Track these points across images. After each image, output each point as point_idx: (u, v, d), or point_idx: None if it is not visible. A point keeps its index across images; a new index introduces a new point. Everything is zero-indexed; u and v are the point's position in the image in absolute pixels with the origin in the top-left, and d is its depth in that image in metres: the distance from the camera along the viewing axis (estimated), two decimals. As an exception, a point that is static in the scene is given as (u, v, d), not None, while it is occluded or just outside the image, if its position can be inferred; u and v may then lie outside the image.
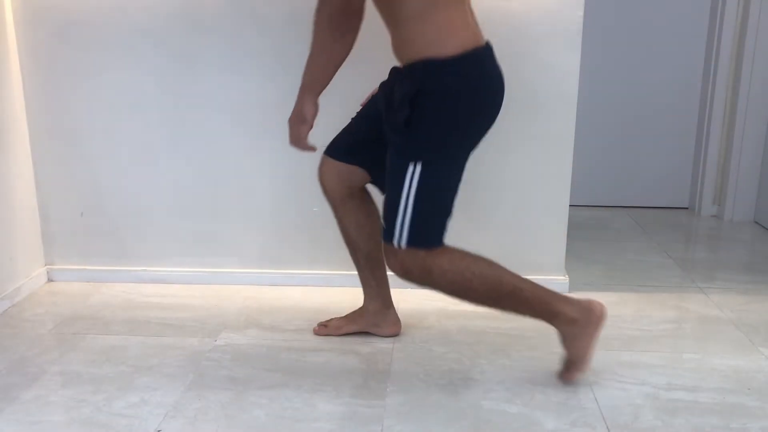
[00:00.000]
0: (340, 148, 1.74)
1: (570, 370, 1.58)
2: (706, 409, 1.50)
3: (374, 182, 1.74)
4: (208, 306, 2.09)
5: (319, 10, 1.41)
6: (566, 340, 1.55)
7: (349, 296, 2.16)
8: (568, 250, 2.22)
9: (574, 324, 1.52)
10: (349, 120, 1.77)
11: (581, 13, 2.01)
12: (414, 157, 1.43)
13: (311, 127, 1.56)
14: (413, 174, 1.43)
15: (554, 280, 2.20)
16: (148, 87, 2.14)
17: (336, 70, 1.49)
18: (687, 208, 3.34)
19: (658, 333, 1.91)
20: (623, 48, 3.19)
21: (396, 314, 1.87)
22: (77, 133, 2.19)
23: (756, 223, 3.08)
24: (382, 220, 1.52)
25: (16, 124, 2.14)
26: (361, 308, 1.88)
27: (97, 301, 2.14)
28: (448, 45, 1.41)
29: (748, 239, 2.87)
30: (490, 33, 2.05)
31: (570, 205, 2.17)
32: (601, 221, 3.11)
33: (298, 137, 1.54)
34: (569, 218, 2.19)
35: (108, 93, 2.15)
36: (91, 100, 2.16)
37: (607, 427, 1.43)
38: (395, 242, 1.46)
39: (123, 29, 2.09)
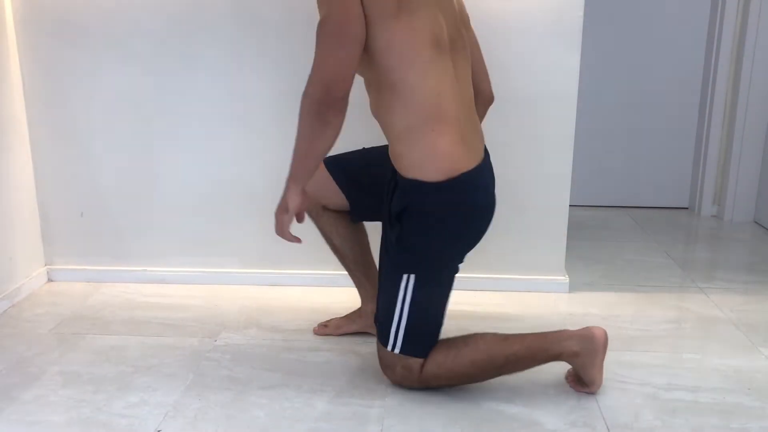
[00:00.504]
0: (339, 166, 1.73)
1: (583, 386, 1.58)
2: (706, 409, 1.50)
3: (350, 214, 1.76)
4: (208, 306, 2.09)
5: (303, 101, 1.40)
6: (575, 369, 1.56)
7: (349, 296, 2.16)
8: (568, 250, 2.22)
9: (579, 356, 1.52)
10: (361, 147, 1.77)
11: (581, 13, 2.01)
12: (407, 270, 1.50)
13: (300, 218, 1.53)
14: (407, 285, 1.51)
15: (554, 280, 2.20)
16: (148, 87, 2.14)
17: (322, 159, 1.46)
18: (687, 208, 3.34)
19: (658, 333, 1.91)
20: (623, 48, 3.19)
21: None
22: (77, 133, 2.19)
23: (756, 223, 3.08)
24: (375, 317, 1.58)
25: (16, 124, 2.14)
26: (359, 309, 1.88)
27: (97, 301, 2.14)
28: (431, 170, 1.46)
29: (748, 239, 2.87)
30: (490, 33, 2.06)
31: (570, 205, 2.17)
32: (601, 221, 3.11)
33: (281, 228, 1.49)
34: (569, 218, 2.19)
35: (108, 93, 2.15)
36: (91, 100, 2.16)
37: (607, 427, 1.43)
38: (390, 347, 1.54)
39: (123, 29, 2.09)
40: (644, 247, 2.72)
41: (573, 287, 2.22)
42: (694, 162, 3.28)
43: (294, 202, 1.46)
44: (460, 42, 1.52)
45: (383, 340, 1.55)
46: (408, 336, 1.52)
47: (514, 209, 2.17)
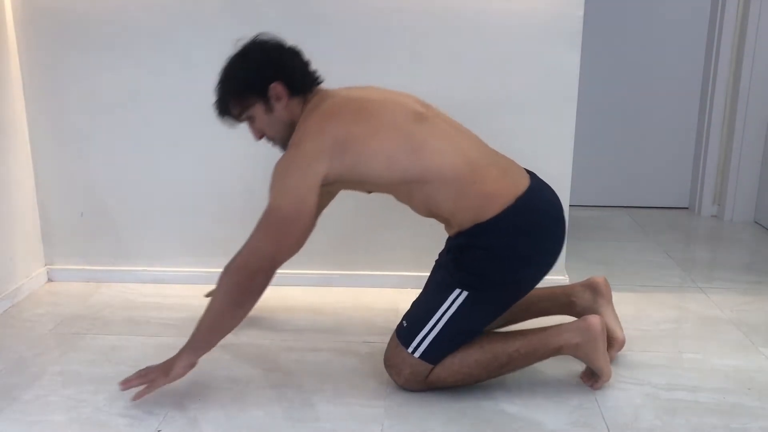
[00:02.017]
0: None
1: (595, 380, 1.58)
2: (706, 409, 1.50)
3: None
4: (208, 306, 2.09)
5: (224, 277, 1.40)
6: (581, 359, 1.56)
7: (349, 296, 2.17)
8: (568, 250, 2.22)
9: (581, 348, 1.52)
10: None
11: (581, 13, 2.01)
12: (462, 287, 1.48)
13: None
14: (455, 300, 1.49)
15: (554, 280, 2.19)
16: (148, 87, 2.14)
17: (225, 335, 1.47)
18: (687, 208, 3.34)
19: (658, 333, 1.91)
20: (623, 48, 3.19)
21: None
22: (77, 133, 2.19)
23: (756, 223, 3.08)
24: (404, 318, 1.56)
25: (16, 124, 2.14)
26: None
27: (97, 301, 2.14)
28: (488, 210, 1.45)
29: (748, 239, 2.87)
30: (490, 33, 2.06)
31: (570, 205, 2.17)
32: (601, 221, 3.11)
33: (150, 387, 1.44)
34: (569, 218, 2.18)
35: (108, 93, 2.15)
36: (91, 100, 2.16)
37: (607, 427, 1.43)
38: (411, 350, 1.51)
39: (123, 29, 2.09)
40: (644, 247, 2.72)
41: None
42: (694, 162, 3.28)
43: (179, 374, 1.45)
44: (430, 109, 1.57)
45: (406, 341, 1.52)
46: (434, 345, 1.50)
47: (514, 209, 2.17)
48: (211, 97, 2.14)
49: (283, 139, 1.54)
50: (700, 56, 3.16)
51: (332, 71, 2.10)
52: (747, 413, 1.49)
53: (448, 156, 1.47)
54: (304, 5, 2.06)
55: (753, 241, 2.84)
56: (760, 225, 3.04)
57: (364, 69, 2.09)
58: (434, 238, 2.17)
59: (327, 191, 1.61)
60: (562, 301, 1.76)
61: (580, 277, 2.31)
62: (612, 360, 1.67)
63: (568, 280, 2.21)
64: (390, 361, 1.56)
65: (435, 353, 1.51)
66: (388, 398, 1.55)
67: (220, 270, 2.35)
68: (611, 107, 3.24)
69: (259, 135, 1.58)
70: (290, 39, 2.08)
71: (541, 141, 2.11)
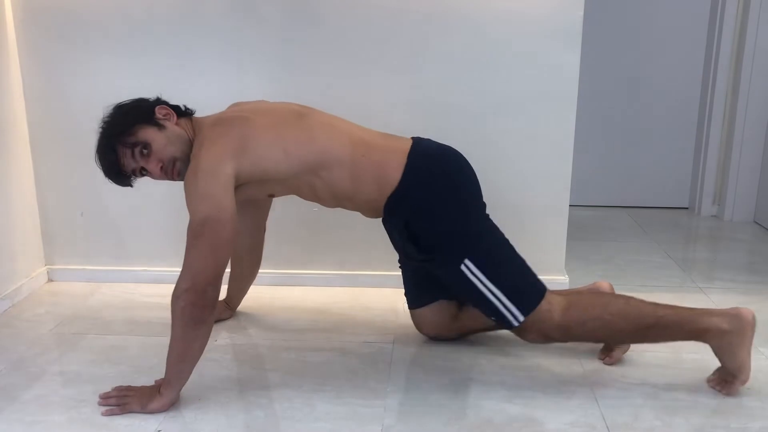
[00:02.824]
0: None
1: (731, 382, 1.53)
2: (706, 409, 1.50)
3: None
4: (208, 306, 2.09)
5: (175, 304, 1.42)
6: (721, 352, 1.52)
7: (349, 296, 2.17)
8: (568, 250, 2.22)
9: (727, 336, 1.48)
10: None
11: (581, 13, 2.01)
12: (457, 261, 1.53)
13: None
14: (471, 270, 1.53)
15: (554, 280, 2.20)
16: (147, 87, 2.13)
17: (197, 361, 1.47)
18: (687, 208, 3.34)
19: (658, 333, 1.91)
20: (623, 48, 3.19)
21: None
22: (77, 133, 2.19)
23: (756, 223, 3.08)
24: (492, 320, 1.59)
25: (16, 124, 2.14)
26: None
27: (97, 301, 2.14)
28: (390, 178, 1.54)
29: (748, 239, 2.87)
30: (490, 33, 2.06)
31: (570, 205, 2.17)
32: (601, 221, 3.11)
33: (123, 410, 1.46)
34: (569, 218, 2.19)
35: (108, 93, 2.13)
36: (91, 100, 2.15)
37: (607, 427, 1.43)
38: (516, 322, 1.54)
39: (123, 29, 2.09)
40: (644, 247, 2.72)
41: (573, 287, 2.21)
42: (694, 162, 3.28)
43: (156, 411, 1.46)
44: (311, 110, 1.65)
45: (507, 323, 1.55)
46: (514, 299, 1.52)
47: (514, 209, 2.17)
48: (211, 97, 2.15)
49: (184, 155, 1.54)
50: (700, 56, 3.16)
51: (332, 71, 2.11)
52: (747, 413, 1.49)
53: (335, 139, 1.56)
54: (305, 5, 2.06)
55: (753, 241, 2.84)
56: (760, 225, 3.04)
57: (364, 69, 2.09)
58: (434, 238, 2.17)
59: (249, 198, 1.67)
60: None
61: (580, 277, 2.32)
62: (616, 362, 1.67)
63: (568, 281, 2.21)
64: (523, 338, 1.59)
65: (526, 299, 1.53)
66: (388, 398, 1.55)
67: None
68: (611, 107, 3.25)
69: (159, 165, 1.54)
70: (290, 39, 2.09)
71: (541, 141, 2.11)
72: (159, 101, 1.59)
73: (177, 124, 1.56)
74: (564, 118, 2.09)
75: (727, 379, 1.54)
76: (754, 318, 1.50)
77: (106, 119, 1.57)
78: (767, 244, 2.79)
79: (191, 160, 1.49)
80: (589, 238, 2.83)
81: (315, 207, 2.18)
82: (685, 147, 3.28)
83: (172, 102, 1.65)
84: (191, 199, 1.43)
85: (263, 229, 1.93)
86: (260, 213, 1.90)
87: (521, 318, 1.53)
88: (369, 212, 1.64)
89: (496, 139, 2.13)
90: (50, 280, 2.30)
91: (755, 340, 1.84)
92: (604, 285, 1.75)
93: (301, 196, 1.65)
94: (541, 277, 2.19)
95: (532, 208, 2.17)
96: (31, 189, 2.22)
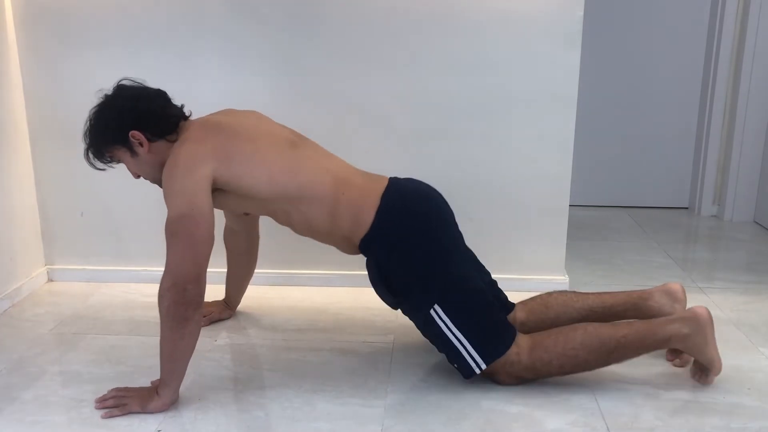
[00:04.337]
0: None
1: (706, 374, 1.58)
2: (706, 409, 1.50)
3: None
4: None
5: (160, 303, 1.42)
6: (690, 352, 1.57)
7: (349, 296, 2.16)
8: (568, 250, 2.22)
9: (689, 338, 1.52)
10: None
11: (581, 12, 2.01)
12: (427, 307, 1.54)
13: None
14: (439, 315, 1.53)
15: (554, 280, 2.20)
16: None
17: (189, 359, 1.47)
18: (687, 208, 3.34)
19: (658, 333, 1.91)
20: (623, 48, 3.19)
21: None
22: (77, 133, 2.18)
23: (756, 223, 3.08)
24: (454, 366, 1.58)
25: (16, 124, 2.14)
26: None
27: (97, 301, 2.14)
28: (365, 219, 1.55)
29: (748, 239, 2.87)
30: (491, 33, 2.06)
31: (570, 205, 2.17)
32: (601, 221, 3.11)
33: (121, 411, 1.47)
34: (569, 218, 2.19)
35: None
36: (91, 100, 2.15)
37: (607, 427, 1.43)
38: (478, 370, 1.54)
39: (123, 29, 2.09)
40: (644, 247, 2.72)
41: (573, 287, 2.21)
42: (694, 162, 3.28)
43: (156, 411, 1.47)
44: (303, 139, 1.66)
45: (468, 372, 1.55)
46: (480, 348, 1.53)
47: (514, 209, 2.17)
48: (211, 96, 2.15)
49: (155, 179, 1.60)
50: (700, 56, 3.16)
51: (332, 72, 2.11)
52: (747, 413, 1.49)
53: (319, 175, 1.58)
54: (305, 6, 2.06)
55: (753, 241, 2.84)
56: (760, 225, 3.04)
57: (365, 70, 2.09)
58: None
59: (223, 209, 1.68)
60: (639, 305, 1.73)
61: (580, 277, 2.32)
62: (686, 364, 1.67)
63: (568, 280, 2.21)
64: (498, 381, 1.58)
65: (491, 347, 1.53)
66: (388, 398, 1.55)
67: (220, 269, 2.35)
68: (611, 107, 3.24)
69: (135, 175, 1.63)
70: (290, 39, 2.09)
71: (541, 141, 2.11)
72: (138, 120, 1.55)
73: (150, 150, 1.56)
74: (564, 118, 2.09)
75: (703, 370, 1.59)
76: (709, 315, 1.53)
77: (95, 116, 1.58)
78: (767, 244, 2.79)
79: (170, 155, 1.50)
80: (589, 238, 2.83)
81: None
82: (685, 147, 3.28)
83: (178, 99, 1.64)
84: (167, 194, 1.45)
85: (257, 228, 1.94)
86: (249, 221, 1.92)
87: (483, 366, 1.53)
88: (347, 248, 1.66)
89: (496, 139, 2.13)
90: (50, 280, 2.30)
91: (756, 340, 1.85)
92: (675, 287, 1.72)
93: (276, 220, 1.66)
94: (541, 276, 2.21)
95: (532, 208, 2.17)
96: (31, 189, 2.22)
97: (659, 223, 3.09)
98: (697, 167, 3.25)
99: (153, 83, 2.14)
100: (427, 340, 1.64)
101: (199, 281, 1.42)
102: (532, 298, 1.78)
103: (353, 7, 2.04)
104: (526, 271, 2.22)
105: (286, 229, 2.21)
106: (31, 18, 2.10)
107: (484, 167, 2.15)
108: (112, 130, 1.55)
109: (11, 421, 1.46)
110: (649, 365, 1.70)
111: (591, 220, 3.12)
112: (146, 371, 1.66)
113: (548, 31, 2.03)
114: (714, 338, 1.54)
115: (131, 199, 2.23)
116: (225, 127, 1.56)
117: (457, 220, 1.68)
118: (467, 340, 1.53)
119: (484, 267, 1.75)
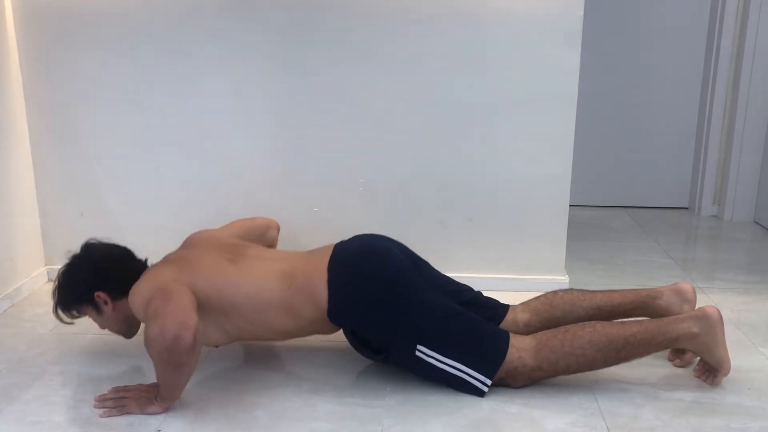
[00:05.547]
0: None
1: (715, 375, 1.58)
2: (706, 409, 1.50)
3: None
4: (208, 306, 2.09)
5: (147, 349, 1.42)
6: (698, 352, 1.56)
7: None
8: (568, 250, 2.22)
9: (699, 338, 1.51)
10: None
11: (581, 12, 2.01)
12: (411, 351, 1.54)
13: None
14: (426, 354, 1.53)
15: (554, 280, 2.20)
16: (148, 87, 2.14)
17: (187, 382, 1.48)
18: (687, 208, 3.34)
19: (658, 333, 1.91)
20: (623, 48, 3.19)
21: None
22: (77, 133, 2.19)
23: (756, 223, 3.08)
24: (460, 391, 1.57)
25: (16, 124, 2.14)
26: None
27: (97, 301, 2.14)
28: (319, 295, 1.56)
29: (748, 239, 2.87)
30: (490, 33, 2.06)
31: (570, 205, 2.17)
32: (601, 221, 3.11)
33: (120, 411, 1.48)
34: (569, 218, 2.19)
35: (108, 93, 2.15)
36: (91, 100, 2.16)
37: (607, 427, 1.43)
38: (485, 388, 1.54)
39: (123, 29, 2.09)
40: (644, 247, 2.72)
41: (573, 287, 2.21)
42: (694, 162, 3.28)
43: (155, 413, 1.48)
44: (244, 249, 1.68)
45: (478, 392, 1.54)
46: (477, 366, 1.53)
47: (514, 209, 2.17)
48: (211, 96, 2.15)
49: (120, 331, 1.70)
50: (700, 56, 3.16)
51: (332, 72, 2.11)
52: (747, 413, 1.49)
53: (262, 282, 1.58)
54: (305, 5, 2.06)
55: (753, 241, 2.84)
56: (760, 225, 3.04)
57: (365, 70, 2.09)
58: (434, 238, 2.17)
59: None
60: (648, 304, 1.72)
61: (580, 277, 2.32)
62: (687, 364, 1.67)
63: (568, 280, 2.21)
64: (515, 386, 1.58)
65: (484, 363, 1.53)
66: (388, 398, 1.55)
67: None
68: (611, 107, 3.24)
69: (102, 327, 1.70)
70: (290, 39, 2.09)
71: (541, 141, 2.11)
72: (103, 282, 1.62)
73: (114, 308, 1.62)
74: (564, 118, 2.09)
75: (711, 371, 1.58)
76: (720, 315, 1.52)
77: (62, 276, 1.66)
78: (767, 244, 2.79)
79: (132, 295, 1.55)
80: (589, 238, 2.83)
81: (316, 207, 2.19)
82: (685, 147, 3.28)
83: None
84: (146, 318, 1.45)
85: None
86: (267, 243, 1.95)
87: (488, 382, 1.53)
88: (325, 329, 1.64)
89: (496, 139, 2.13)
90: (50, 280, 2.30)
91: (756, 340, 1.85)
92: (686, 287, 1.71)
93: (239, 337, 1.64)
94: (541, 276, 2.21)
95: (532, 208, 2.17)
96: (31, 189, 2.22)
97: (659, 223, 3.09)
98: (697, 167, 3.25)
99: (152, 83, 2.16)
100: None
101: (188, 328, 1.37)
102: (536, 298, 1.77)
103: (353, 7, 2.04)
104: (527, 271, 2.22)
105: (287, 229, 2.21)
106: (31, 18, 2.10)
107: (484, 167, 2.15)
108: (79, 291, 1.64)
109: (11, 421, 1.46)
110: (649, 365, 1.69)
111: (591, 220, 3.12)
112: (146, 371, 1.67)
113: (548, 31, 2.03)
114: (724, 339, 1.53)
115: (131, 200, 2.23)
116: (171, 265, 1.60)
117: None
118: (462, 364, 1.53)
119: (456, 283, 1.73)
